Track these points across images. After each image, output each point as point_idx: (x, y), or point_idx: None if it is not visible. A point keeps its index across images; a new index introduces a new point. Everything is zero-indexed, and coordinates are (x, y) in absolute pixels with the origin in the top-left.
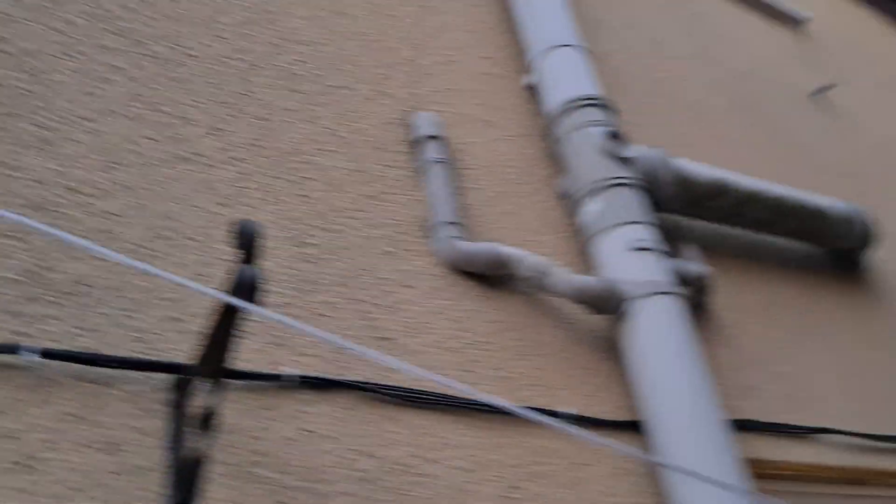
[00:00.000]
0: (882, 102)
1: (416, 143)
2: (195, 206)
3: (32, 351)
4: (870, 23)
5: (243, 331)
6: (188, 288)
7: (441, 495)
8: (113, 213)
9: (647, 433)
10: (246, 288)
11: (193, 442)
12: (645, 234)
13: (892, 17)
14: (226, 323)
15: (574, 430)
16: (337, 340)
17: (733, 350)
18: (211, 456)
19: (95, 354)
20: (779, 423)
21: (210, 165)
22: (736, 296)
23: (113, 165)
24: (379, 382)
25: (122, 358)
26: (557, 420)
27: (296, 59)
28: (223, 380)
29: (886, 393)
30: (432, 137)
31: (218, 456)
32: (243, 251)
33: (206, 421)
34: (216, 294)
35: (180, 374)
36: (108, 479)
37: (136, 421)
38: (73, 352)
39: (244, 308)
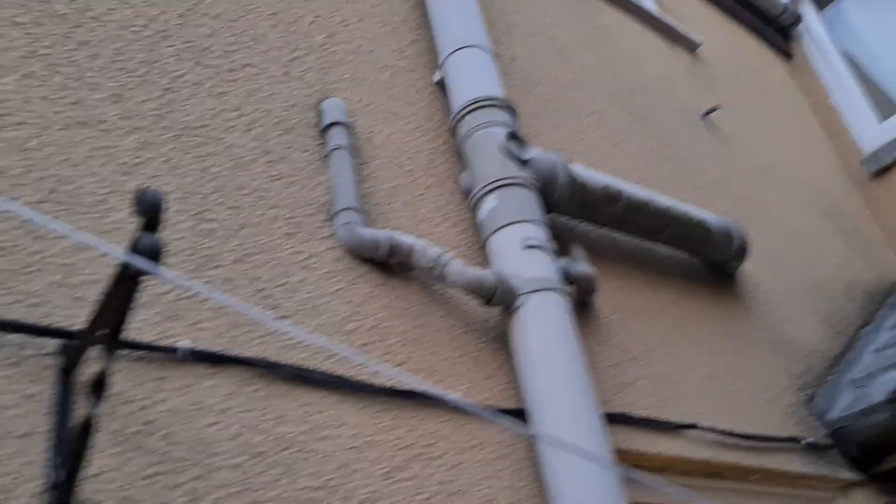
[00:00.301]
0: (762, 128)
1: (322, 128)
2: (93, 173)
3: None
4: (758, 51)
5: (139, 300)
6: (93, 248)
7: (329, 472)
8: (3, 172)
9: (529, 421)
10: (147, 255)
11: (82, 409)
12: (537, 232)
13: (776, 49)
14: (123, 290)
15: (469, 405)
16: (243, 308)
17: (612, 348)
18: (99, 423)
19: None
20: (650, 418)
21: (110, 132)
22: (618, 297)
23: (4, 123)
24: (272, 359)
25: (9, 321)
26: (463, 400)
27: (206, 34)
28: (115, 348)
29: (748, 394)
30: (338, 124)
31: (105, 424)
32: (145, 219)
33: (97, 388)
34: (121, 255)
35: (70, 339)
36: None
37: (21, 386)
38: None
39: (151, 273)
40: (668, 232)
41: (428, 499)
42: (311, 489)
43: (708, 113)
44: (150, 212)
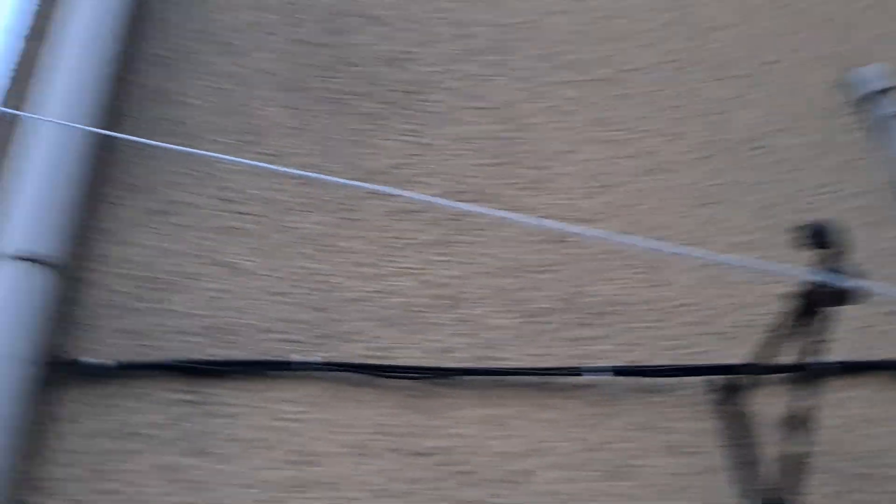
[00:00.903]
0: None
1: (862, 101)
2: (675, 212)
3: (602, 370)
4: None
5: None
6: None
7: None
8: (615, 229)
9: None
10: (839, 289)
11: (793, 441)
12: None
13: None
14: (814, 320)
15: None
16: None
17: None
18: (811, 454)
19: (660, 367)
20: None
21: (675, 171)
22: None
23: (599, 189)
24: None
25: (678, 366)
26: None
27: (720, 46)
28: (815, 377)
29: None
30: (883, 91)
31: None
32: (826, 248)
33: (802, 420)
34: (839, 281)
35: (731, 374)
36: (692, 481)
37: (694, 424)
38: (641, 366)
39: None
40: None
41: None
42: None
43: None
44: (829, 242)
